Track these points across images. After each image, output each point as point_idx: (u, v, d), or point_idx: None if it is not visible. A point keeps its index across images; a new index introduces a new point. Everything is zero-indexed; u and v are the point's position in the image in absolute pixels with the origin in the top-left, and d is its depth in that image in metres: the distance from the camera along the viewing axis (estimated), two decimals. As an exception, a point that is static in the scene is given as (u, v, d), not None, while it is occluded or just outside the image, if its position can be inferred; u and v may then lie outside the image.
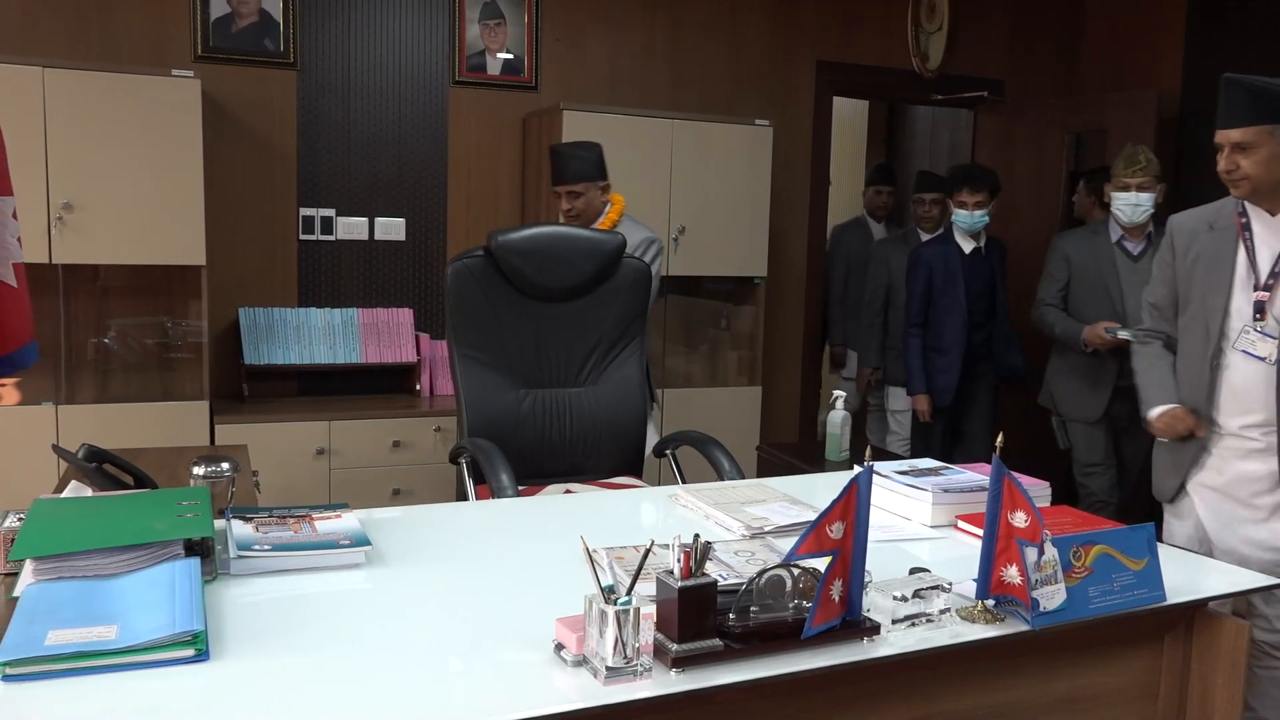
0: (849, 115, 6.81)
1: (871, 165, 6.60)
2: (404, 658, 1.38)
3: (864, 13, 5.40)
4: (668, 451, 3.10)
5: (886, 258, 4.90)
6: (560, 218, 3.63)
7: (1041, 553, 1.50)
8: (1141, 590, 1.64)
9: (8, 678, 1.23)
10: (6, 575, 1.69)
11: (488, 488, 2.61)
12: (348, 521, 1.82)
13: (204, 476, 2.12)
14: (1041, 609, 1.52)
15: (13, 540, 1.63)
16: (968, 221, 4.27)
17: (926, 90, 5.64)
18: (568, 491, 2.82)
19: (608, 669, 1.28)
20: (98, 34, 4.07)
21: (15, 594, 1.48)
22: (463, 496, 2.89)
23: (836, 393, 3.79)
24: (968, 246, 4.35)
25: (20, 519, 1.73)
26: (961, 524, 2.01)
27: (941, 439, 4.40)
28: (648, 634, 1.30)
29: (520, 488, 2.61)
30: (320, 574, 1.66)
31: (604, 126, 4.41)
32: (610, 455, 3.09)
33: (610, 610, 1.27)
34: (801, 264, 5.40)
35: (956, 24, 5.58)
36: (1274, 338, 2.41)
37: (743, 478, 2.63)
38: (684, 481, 2.85)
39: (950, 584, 1.54)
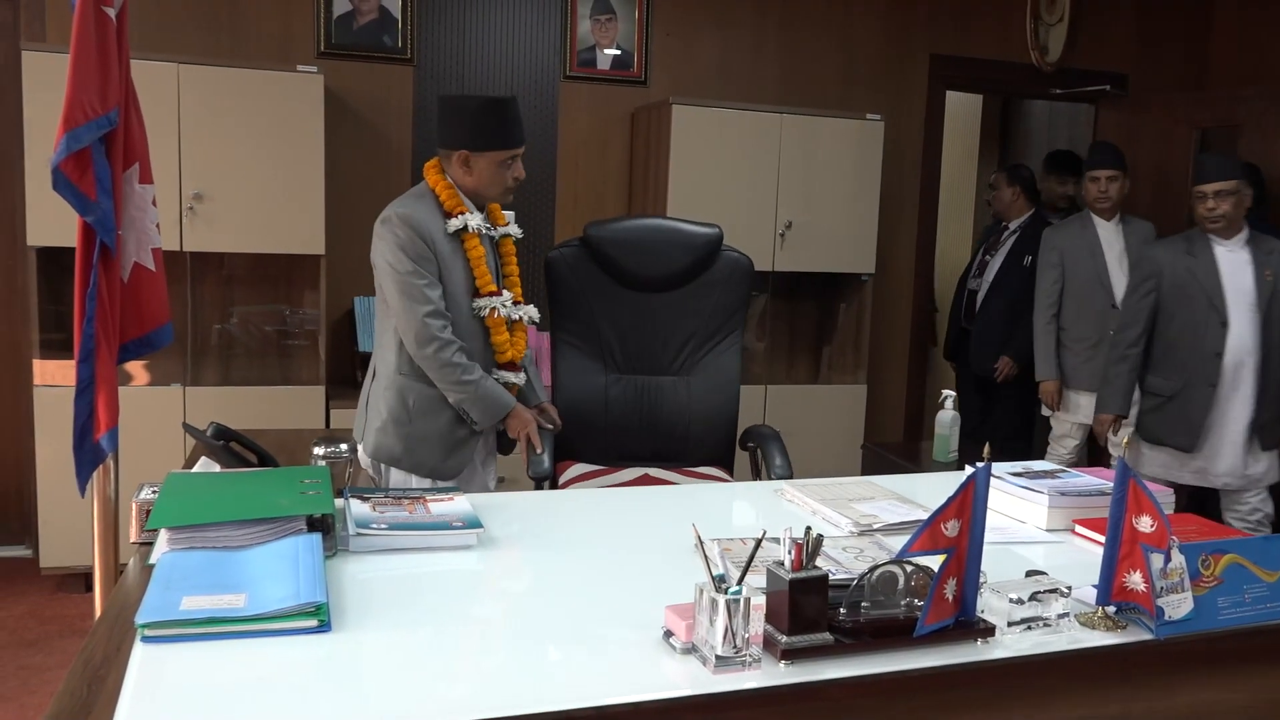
0: (961, 110, 6.65)
1: (993, 162, 6.35)
2: (513, 638, 1.41)
3: (980, 5, 5.27)
4: (751, 445, 3.10)
5: (1158, 265, 3.66)
6: (510, 187, 2.91)
7: (1168, 559, 1.45)
8: (1275, 603, 1.57)
9: (146, 639, 1.30)
10: (141, 544, 1.78)
11: (569, 463, 2.81)
12: (460, 504, 1.86)
13: (324, 457, 2.18)
14: (1167, 618, 1.46)
15: (148, 511, 1.72)
16: None
17: (1045, 84, 5.47)
18: (645, 476, 2.88)
19: (717, 658, 1.28)
20: (228, 32, 4.24)
21: (151, 561, 1.56)
22: None
23: (946, 392, 3.70)
24: None
25: (154, 492, 1.81)
26: (1080, 529, 1.95)
27: None
28: (757, 625, 1.30)
29: (597, 468, 2.78)
30: (434, 554, 1.70)
31: (713, 121, 4.41)
32: (700, 445, 3.11)
33: (721, 599, 1.27)
34: (910, 261, 5.31)
35: (1078, 16, 5.40)
36: None
37: (791, 477, 2.63)
38: (765, 476, 2.87)
39: (1069, 588, 1.49)
